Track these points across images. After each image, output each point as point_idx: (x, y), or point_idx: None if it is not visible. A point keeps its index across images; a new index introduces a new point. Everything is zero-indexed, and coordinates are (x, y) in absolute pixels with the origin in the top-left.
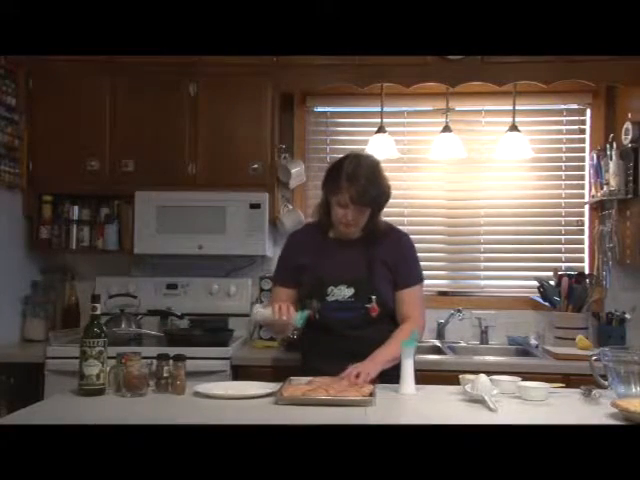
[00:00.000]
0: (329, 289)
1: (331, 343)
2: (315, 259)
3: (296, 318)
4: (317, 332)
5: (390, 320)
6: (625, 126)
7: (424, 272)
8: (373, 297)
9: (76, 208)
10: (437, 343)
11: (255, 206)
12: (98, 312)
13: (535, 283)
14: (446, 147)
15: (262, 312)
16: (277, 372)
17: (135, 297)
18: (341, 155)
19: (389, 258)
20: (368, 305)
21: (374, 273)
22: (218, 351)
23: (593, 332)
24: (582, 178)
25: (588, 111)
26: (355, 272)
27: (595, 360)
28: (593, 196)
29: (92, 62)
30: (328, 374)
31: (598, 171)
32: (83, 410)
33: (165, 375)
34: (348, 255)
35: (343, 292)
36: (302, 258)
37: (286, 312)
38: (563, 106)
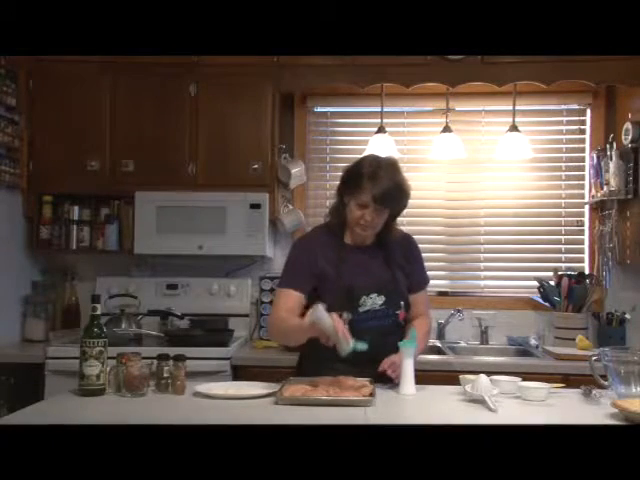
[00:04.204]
0: (362, 299)
1: (360, 352)
2: (340, 268)
3: (348, 346)
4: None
5: (406, 323)
6: (625, 126)
7: None
8: (402, 303)
9: (76, 208)
10: (437, 343)
11: (255, 206)
12: (98, 312)
13: (535, 283)
14: (446, 147)
15: (325, 318)
16: (277, 372)
17: (135, 297)
18: (341, 155)
19: (404, 262)
20: (397, 311)
21: (398, 279)
22: (218, 351)
23: (593, 332)
24: (582, 178)
25: (588, 111)
26: (382, 279)
27: (595, 360)
28: (593, 196)
29: (92, 62)
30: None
31: (598, 171)
32: (83, 410)
33: (165, 375)
34: (371, 262)
35: (374, 301)
36: (324, 267)
37: (344, 335)
38: (563, 106)
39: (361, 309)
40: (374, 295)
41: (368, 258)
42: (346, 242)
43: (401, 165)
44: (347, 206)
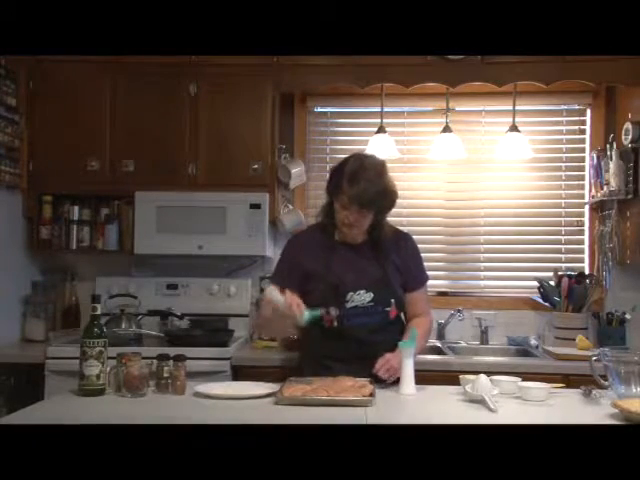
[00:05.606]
0: (348, 295)
1: (350, 348)
2: (328, 265)
3: (304, 316)
4: (334, 338)
5: (402, 320)
6: (625, 126)
7: None
8: (392, 300)
9: (76, 208)
10: (437, 343)
11: (255, 206)
12: (98, 312)
13: (535, 283)
14: (446, 147)
15: (276, 295)
16: (277, 372)
17: (135, 297)
18: (341, 155)
19: (398, 260)
20: (387, 308)
21: (389, 276)
22: (218, 351)
23: (593, 332)
24: (582, 178)
25: (588, 111)
26: (372, 276)
27: (595, 360)
28: (593, 196)
29: (92, 62)
30: (341, 375)
31: (598, 171)
32: (83, 410)
33: (165, 375)
34: (361, 259)
35: (362, 297)
36: (312, 264)
37: (297, 305)
38: (563, 106)
39: (348, 305)
40: (362, 292)
41: (358, 255)
42: (337, 240)
43: (400, 165)
44: (334, 205)
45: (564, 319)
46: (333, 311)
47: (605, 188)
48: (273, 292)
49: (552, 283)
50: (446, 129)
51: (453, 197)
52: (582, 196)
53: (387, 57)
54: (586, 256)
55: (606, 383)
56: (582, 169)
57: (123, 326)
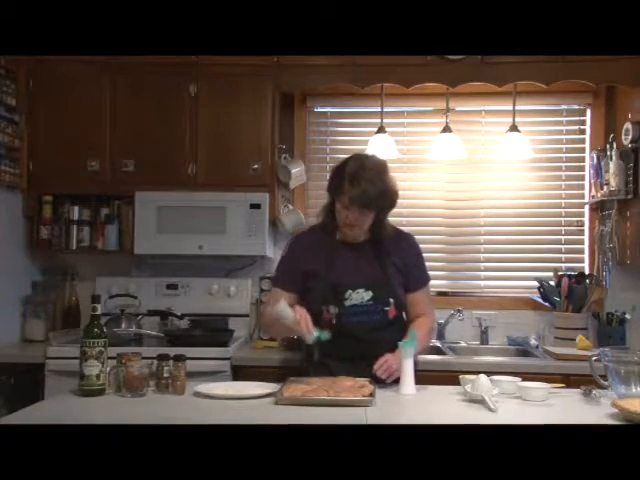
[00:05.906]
0: (347, 293)
1: (349, 347)
2: (328, 264)
3: (312, 335)
4: (334, 336)
5: (402, 320)
6: (625, 126)
7: None
8: (391, 300)
9: (76, 208)
10: (437, 343)
11: (255, 206)
12: (98, 312)
13: (535, 283)
14: (446, 147)
15: (288, 311)
16: (277, 372)
17: (135, 297)
18: (341, 155)
19: (399, 260)
20: (386, 308)
21: (389, 275)
22: (218, 351)
23: (593, 332)
24: (582, 178)
25: (588, 111)
26: (372, 275)
27: (595, 360)
28: (593, 196)
29: (92, 62)
30: (340, 374)
31: (598, 171)
32: (83, 410)
33: (165, 375)
34: (361, 258)
35: (361, 296)
36: (312, 263)
37: (306, 325)
38: (563, 106)
39: (347, 303)
40: (361, 290)
41: (358, 255)
42: (338, 240)
43: (400, 165)
44: (335, 205)
45: (564, 319)
46: (332, 309)
47: (605, 188)
48: (283, 307)
49: (552, 283)
50: (446, 129)
51: (453, 197)
52: (582, 196)
53: (387, 57)
54: (586, 256)
55: (606, 383)
56: (582, 169)
57: (123, 326)
